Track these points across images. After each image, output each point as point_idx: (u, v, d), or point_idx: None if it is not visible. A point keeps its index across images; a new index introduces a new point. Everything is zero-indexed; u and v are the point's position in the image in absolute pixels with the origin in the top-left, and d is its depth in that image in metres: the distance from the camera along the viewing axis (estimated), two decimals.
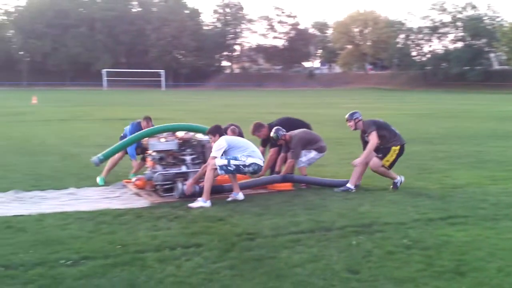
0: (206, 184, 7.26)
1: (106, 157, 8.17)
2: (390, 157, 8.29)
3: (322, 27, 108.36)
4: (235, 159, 7.40)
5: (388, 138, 8.33)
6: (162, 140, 7.98)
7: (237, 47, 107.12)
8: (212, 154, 7.40)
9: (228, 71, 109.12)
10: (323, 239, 5.63)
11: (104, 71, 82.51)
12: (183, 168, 7.95)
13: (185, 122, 9.57)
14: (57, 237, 5.65)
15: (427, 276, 4.62)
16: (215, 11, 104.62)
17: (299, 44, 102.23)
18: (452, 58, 78.82)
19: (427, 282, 4.48)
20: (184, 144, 8.15)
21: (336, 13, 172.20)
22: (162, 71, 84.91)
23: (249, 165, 7.49)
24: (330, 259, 5.01)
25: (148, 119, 9.15)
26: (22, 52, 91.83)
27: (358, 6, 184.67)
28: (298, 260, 5.00)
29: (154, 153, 7.95)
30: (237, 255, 5.14)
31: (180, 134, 8.29)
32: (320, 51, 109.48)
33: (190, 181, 7.63)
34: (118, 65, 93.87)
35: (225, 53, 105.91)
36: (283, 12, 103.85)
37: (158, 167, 7.87)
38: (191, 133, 8.29)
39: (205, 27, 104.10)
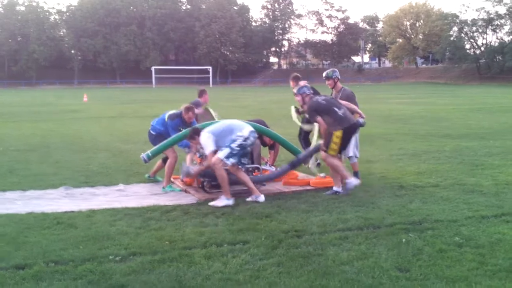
0: (223, 183, 7.16)
1: (155, 154, 8.19)
2: (334, 144, 7.52)
3: (372, 21, 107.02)
4: (233, 141, 7.26)
5: (331, 123, 7.60)
6: None
7: (285, 43, 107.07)
8: (209, 151, 7.24)
9: (275, 67, 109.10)
10: (372, 237, 5.51)
11: (153, 68, 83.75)
12: None
13: (233, 118, 9.48)
14: (106, 233, 5.72)
15: (480, 275, 4.46)
16: (264, 7, 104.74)
17: (348, 38, 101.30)
18: (507, 51, 76.24)
19: (480, 281, 4.32)
20: None
21: (387, 7, 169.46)
22: (209, 68, 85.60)
23: (248, 137, 7.33)
24: (378, 257, 4.90)
25: (190, 109, 8.53)
26: (74, 51, 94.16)
27: None
28: (346, 257, 4.91)
29: (202, 150, 7.96)
30: (284, 252, 5.09)
31: None
32: (369, 45, 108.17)
33: (196, 168, 7.60)
34: (167, 62, 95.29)
35: (273, 48, 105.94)
36: (332, 7, 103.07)
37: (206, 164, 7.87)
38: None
39: (253, 23, 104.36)
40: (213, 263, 4.82)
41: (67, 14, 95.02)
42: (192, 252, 5.09)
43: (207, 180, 7.76)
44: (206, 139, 7.27)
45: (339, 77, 8.80)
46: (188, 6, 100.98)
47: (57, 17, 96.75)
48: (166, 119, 8.51)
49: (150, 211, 6.73)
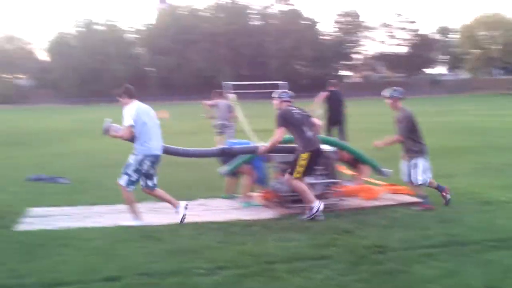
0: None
1: (234, 169, 8.32)
2: (300, 167, 7.17)
3: (446, 31, 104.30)
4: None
5: (297, 142, 7.32)
6: None
7: (356, 56, 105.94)
8: None
9: (348, 80, 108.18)
10: (458, 254, 5.40)
11: (225, 84, 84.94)
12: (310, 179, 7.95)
13: None
14: (191, 247, 5.88)
15: None
16: (335, 21, 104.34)
17: (422, 50, 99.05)
18: None
19: None
20: None
21: (461, 17, 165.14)
22: (281, 82, 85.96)
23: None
24: (466, 275, 4.80)
25: None
26: (150, 68, 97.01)
27: (484, 9, 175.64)
28: (432, 275, 4.84)
29: (280, 165, 8.03)
30: (367, 268, 5.07)
31: None
32: (444, 56, 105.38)
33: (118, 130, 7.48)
34: (239, 77, 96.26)
35: (344, 62, 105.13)
36: (404, 19, 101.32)
37: None
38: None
39: (324, 37, 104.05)
40: (296, 278, 4.87)
41: (145, 32, 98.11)
42: (274, 267, 5.16)
43: (287, 195, 7.81)
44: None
45: (400, 96, 8.30)
46: (259, 22, 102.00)
47: (135, 35, 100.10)
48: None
49: (231, 225, 6.85)
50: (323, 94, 14.00)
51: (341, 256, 5.42)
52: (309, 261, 5.33)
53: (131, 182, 7.10)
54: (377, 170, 8.36)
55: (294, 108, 7.60)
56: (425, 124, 10.80)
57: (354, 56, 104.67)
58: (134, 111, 7.22)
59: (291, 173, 7.26)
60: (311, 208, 7.11)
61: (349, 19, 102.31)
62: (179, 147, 8.37)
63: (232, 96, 15.58)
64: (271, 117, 10.85)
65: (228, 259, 5.42)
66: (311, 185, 7.88)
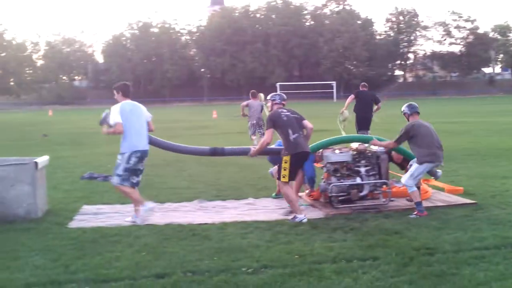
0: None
1: None
2: (283, 170, 7.22)
3: (503, 30, 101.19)
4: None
5: (283, 143, 7.40)
6: (337, 151, 8.01)
7: (410, 55, 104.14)
8: None
9: (401, 80, 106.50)
10: (510, 257, 5.24)
11: (278, 84, 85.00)
12: (358, 180, 7.90)
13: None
14: (238, 245, 5.93)
15: None
16: (388, 20, 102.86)
17: (478, 49, 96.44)
18: None
19: None
20: (359, 155, 8.10)
21: None
22: (333, 83, 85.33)
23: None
24: None
25: None
26: (203, 69, 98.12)
27: None
28: (483, 278, 4.72)
29: (328, 165, 8.00)
30: (416, 270, 4.99)
31: (355, 145, 8.26)
32: (501, 55, 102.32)
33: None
34: (291, 78, 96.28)
35: (398, 62, 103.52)
36: (460, 17, 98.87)
37: (333, 179, 7.90)
38: (366, 145, 8.21)
39: (377, 37, 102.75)
40: (343, 279, 4.83)
41: (197, 34, 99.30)
42: (322, 267, 5.14)
43: (335, 195, 7.77)
44: None
45: (408, 112, 8.02)
46: (312, 22, 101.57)
47: (187, 37, 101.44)
48: None
49: (279, 225, 6.88)
50: (351, 96, 14.81)
51: (390, 257, 5.35)
52: (357, 261, 5.29)
53: (123, 180, 7.24)
54: (430, 172, 8.20)
55: (284, 111, 7.62)
56: (479, 125, 10.53)
57: (407, 55, 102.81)
58: (118, 108, 7.35)
59: (279, 178, 7.35)
60: (295, 217, 7.14)
61: (404, 18, 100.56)
62: (170, 142, 8.61)
63: (261, 95, 15.77)
64: (322, 117, 10.80)
65: (275, 259, 5.43)
66: (361, 186, 7.83)
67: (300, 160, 7.33)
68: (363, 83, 15.69)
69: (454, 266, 5.05)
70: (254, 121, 15.54)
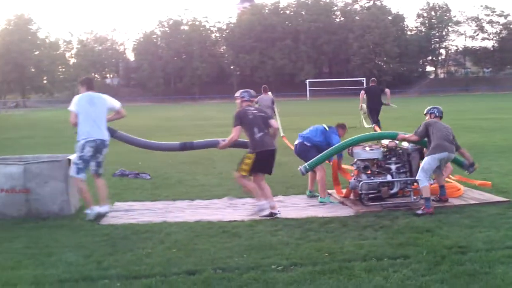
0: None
1: (312, 167, 8.24)
2: (244, 165, 7.32)
3: None
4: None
5: (248, 140, 7.48)
6: (367, 148, 7.96)
7: (442, 51, 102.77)
8: None
9: (432, 76, 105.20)
10: None
11: (307, 81, 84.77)
12: (388, 177, 7.83)
13: (387, 130, 9.37)
14: (268, 243, 5.94)
15: None
16: (419, 15, 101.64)
17: None
18: None
19: None
20: (389, 152, 8.04)
21: None
22: (363, 79, 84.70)
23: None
24: None
25: (343, 126, 8.92)
26: (232, 67, 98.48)
27: None
28: None
29: (358, 162, 7.96)
30: (447, 268, 4.94)
31: (385, 142, 8.20)
32: None
33: None
34: (320, 74, 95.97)
35: (429, 57, 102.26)
36: (493, 12, 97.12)
37: (363, 176, 7.86)
38: (396, 142, 8.13)
39: (408, 32, 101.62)
40: (374, 277, 4.81)
41: (227, 31, 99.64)
42: (352, 265, 5.12)
43: (365, 193, 7.73)
44: None
45: (438, 114, 8.00)
46: (342, 19, 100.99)
47: (217, 34, 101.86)
48: (327, 129, 8.66)
49: (309, 222, 6.87)
50: (362, 92, 17.59)
51: (422, 256, 5.31)
52: (387, 260, 5.25)
53: (79, 170, 7.37)
54: (463, 167, 8.11)
55: (251, 109, 7.64)
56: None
57: (439, 51, 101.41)
58: (76, 100, 7.59)
59: (238, 169, 7.46)
60: (260, 208, 7.29)
61: (435, 13, 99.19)
62: (139, 138, 8.69)
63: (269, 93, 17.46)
64: (350, 114, 10.75)
65: (304, 256, 5.44)
66: (391, 183, 7.77)
67: (264, 158, 7.38)
68: (372, 78, 18.33)
69: (486, 265, 4.99)
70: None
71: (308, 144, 8.64)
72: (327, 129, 8.70)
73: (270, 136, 7.52)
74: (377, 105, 16.81)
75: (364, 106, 17.40)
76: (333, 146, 8.10)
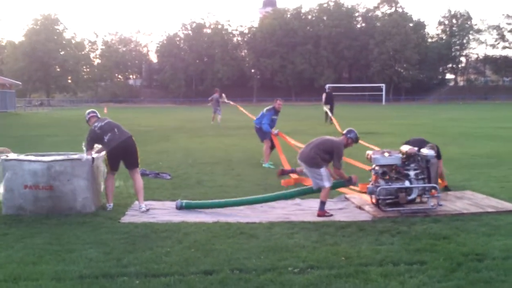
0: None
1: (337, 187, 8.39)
2: (107, 164, 8.20)
3: None
4: None
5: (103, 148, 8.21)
6: (386, 154, 7.98)
7: (462, 59, 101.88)
8: None
9: (451, 83, 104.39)
10: None
11: (327, 86, 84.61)
12: (406, 183, 7.84)
13: (405, 136, 9.37)
14: (285, 245, 6.00)
15: None
16: (441, 23, 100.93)
17: None
18: None
19: None
20: (408, 159, 8.05)
21: None
22: (383, 85, 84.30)
23: None
24: None
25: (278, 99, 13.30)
26: (253, 70, 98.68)
27: None
28: None
29: (377, 167, 7.98)
30: (463, 275, 4.96)
31: (404, 149, 8.21)
32: None
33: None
34: (340, 80, 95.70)
35: (449, 65, 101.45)
36: None
37: (381, 182, 7.88)
38: (416, 148, 8.15)
39: (429, 40, 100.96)
40: (390, 282, 4.84)
41: (249, 35, 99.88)
42: (368, 269, 5.16)
43: (383, 198, 7.75)
44: None
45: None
46: (363, 24, 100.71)
47: (239, 38, 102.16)
48: (265, 112, 12.83)
49: (325, 226, 6.91)
50: (324, 95, 29.75)
51: (438, 262, 5.32)
52: (404, 265, 5.28)
53: None
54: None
55: (96, 124, 8.18)
56: None
57: (459, 59, 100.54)
58: None
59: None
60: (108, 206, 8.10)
61: (456, 21, 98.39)
62: None
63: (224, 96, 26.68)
64: (370, 119, 10.77)
65: (321, 259, 5.48)
66: (410, 189, 7.78)
67: (115, 152, 8.01)
68: (329, 85, 30.57)
69: (503, 273, 4.99)
70: (214, 108, 30.21)
71: (258, 126, 12.95)
72: (265, 112, 12.86)
73: (119, 132, 8.10)
74: (332, 105, 28.70)
75: (325, 106, 28.38)
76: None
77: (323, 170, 7.73)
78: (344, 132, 8.15)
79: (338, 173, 7.80)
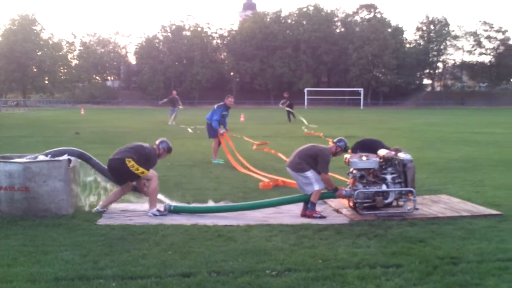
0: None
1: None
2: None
3: None
4: None
5: None
6: (364, 158, 8.04)
7: (439, 64, 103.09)
8: None
9: (429, 89, 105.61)
10: None
11: (306, 90, 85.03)
12: (384, 187, 7.91)
13: (384, 140, 9.46)
14: (263, 248, 6.01)
15: None
16: (418, 29, 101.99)
17: (509, 60, 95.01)
18: None
19: None
20: (386, 163, 8.12)
21: None
22: (361, 90, 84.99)
23: None
24: None
25: (230, 96, 14.58)
26: (232, 73, 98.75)
27: None
28: None
29: (355, 171, 8.03)
30: (439, 279, 5.01)
31: (382, 152, 8.28)
32: None
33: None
34: (319, 84, 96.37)
35: (426, 70, 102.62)
36: (491, 27, 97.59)
37: (359, 185, 7.93)
38: (393, 152, 8.22)
39: (407, 45, 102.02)
40: (366, 285, 4.87)
41: (228, 38, 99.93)
42: (345, 272, 5.18)
43: (360, 201, 7.81)
44: None
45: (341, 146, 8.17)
46: (342, 29, 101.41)
47: (219, 41, 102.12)
48: (215, 108, 13.72)
49: (303, 229, 6.93)
50: (285, 101, 35.27)
51: (413, 265, 5.37)
52: (380, 268, 5.32)
53: None
54: None
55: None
56: (508, 135, 10.43)
57: (436, 64, 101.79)
58: None
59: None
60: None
61: (434, 26, 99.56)
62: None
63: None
64: (348, 124, 10.85)
65: (298, 262, 5.50)
66: (387, 193, 7.84)
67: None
68: (286, 92, 37.82)
69: (477, 276, 5.06)
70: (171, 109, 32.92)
71: (209, 122, 13.81)
72: (216, 108, 13.83)
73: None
74: (291, 106, 35.80)
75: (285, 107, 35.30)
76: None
77: (309, 173, 7.76)
78: (335, 140, 8.21)
79: (325, 178, 7.80)
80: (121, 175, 8.02)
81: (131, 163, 7.80)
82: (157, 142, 8.32)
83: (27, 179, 7.49)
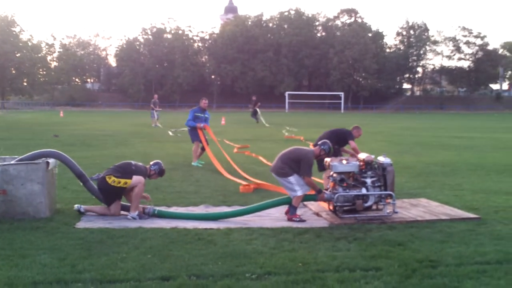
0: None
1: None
2: None
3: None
4: None
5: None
6: (344, 162, 8.08)
7: (419, 69, 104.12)
8: None
9: (408, 93, 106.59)
10: None
11: (287, 93, 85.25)
12: (363, 190, 7.96)
13: (363, 144, 9.52)
14: (243, 251, 6.00)
15: None
16: (399, 33, 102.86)
17: (487, 65, 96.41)
18: None
19: None
20: (365, 166, 8.17)
21: None
22: (341, 94, 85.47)
23: None
24: None
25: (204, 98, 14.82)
26: (214, 76, 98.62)
27: None
28: None
29: (335, 175, 8.07)
30: (418, 282, 5.05)
31: (362, 156, 8.33)
32: (509, 72, 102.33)
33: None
34: (300, 87, 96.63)
35: (406, 75, 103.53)
36: (470, 33, 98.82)
37: (339, 189, 7.97)
38: (373, 156, 8.29)
39: (387, 50, 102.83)
40: None
41: (209, 41, 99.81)
42: (325, 275, 5.20)
43: (340, 205, 7.84)
44: None
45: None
46: (323, 34, 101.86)
47: (200, 44, 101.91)
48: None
49: (283, 232, 6.94)
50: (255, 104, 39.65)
51: (393, 269, 5.41)
52: (359, 271, 5.34)
53: None
54: None
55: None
56: (485, 140, 10.56)
57: (416, 69, 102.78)
58: None
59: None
60: None
61: (413, 32, 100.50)
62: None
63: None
64: (329, 128, 10.94)
65: (278, 265, 5.50)
66: (366, 196, 7.89)
67: None
68: (254, 96, 42.08)
69: (456, 279, 5.10)
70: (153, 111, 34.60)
71: (187, 127, 14.46)
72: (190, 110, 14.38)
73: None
74: (257, 109, 39.47)
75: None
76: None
77: (292, 178, 7.78)
78: (319, 143, 8.24)
79: (307, 181, 7.81)
80: (107, 193, 7.99)
81: (111, 179, 7.81)
82: (151, 163, 8.34)
83: (4, 182, 7.41)
